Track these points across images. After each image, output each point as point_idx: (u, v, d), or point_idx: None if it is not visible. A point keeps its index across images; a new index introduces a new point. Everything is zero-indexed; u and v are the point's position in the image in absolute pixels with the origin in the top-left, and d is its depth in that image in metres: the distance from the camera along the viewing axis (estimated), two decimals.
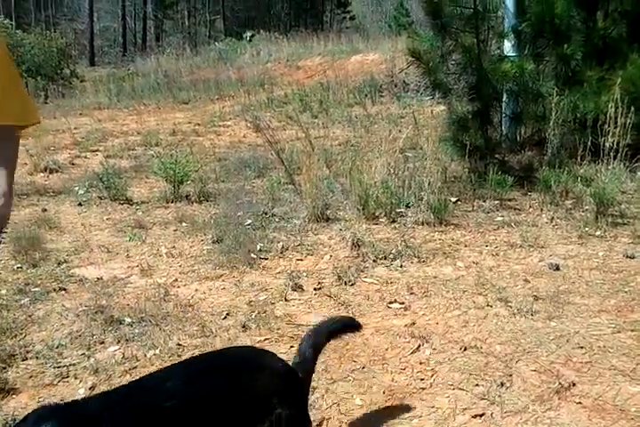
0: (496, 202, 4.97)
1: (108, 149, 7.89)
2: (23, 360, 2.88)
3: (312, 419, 2.24)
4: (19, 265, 4.07)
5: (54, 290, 3.68)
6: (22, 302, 3.53)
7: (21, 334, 3.13)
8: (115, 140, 8.43)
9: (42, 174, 6.88)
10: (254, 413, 1.65)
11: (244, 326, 3.21)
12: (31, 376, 2.74)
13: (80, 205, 5.54)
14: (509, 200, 5.07)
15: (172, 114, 10.65)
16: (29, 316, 3.36)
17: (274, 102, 11.05)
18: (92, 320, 3.26)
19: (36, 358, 2.91)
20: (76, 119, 9.94)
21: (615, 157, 4.68)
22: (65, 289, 3.71)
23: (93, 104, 12.10)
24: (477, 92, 5.55)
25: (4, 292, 3.57)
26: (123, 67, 21.45)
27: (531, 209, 4.89)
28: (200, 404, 1.56)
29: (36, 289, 3.69)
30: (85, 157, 7.63)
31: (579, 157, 4.97)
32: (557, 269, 3.76)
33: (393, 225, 4.65)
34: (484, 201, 4.99)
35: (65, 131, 8.74)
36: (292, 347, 3.00)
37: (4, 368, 2.81)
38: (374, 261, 4.00)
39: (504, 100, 5.91)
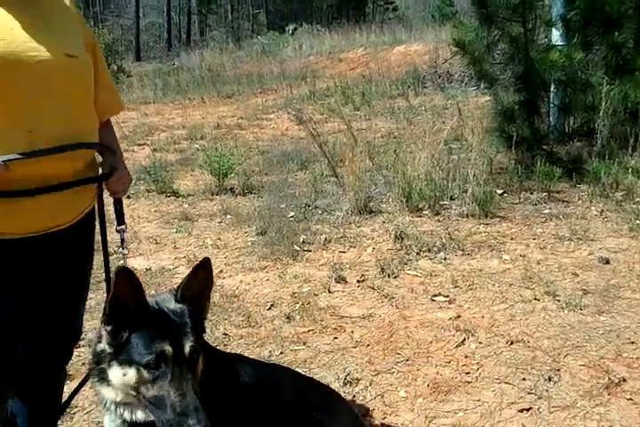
0: (544, 194, 4.87)
1: (155, 143, 8.03)
2: (76, 348, 2.97)
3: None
4: None
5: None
6: None
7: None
8: (161, 134, 8.58)
9: None
10: None
11: (288, 317, 3.24)
12: (83, 364, 2.83)
13: (129, 197, 5.66)
14: (557, 192, 4.96)
15: (216, 108, 10.77)
16: None
17: (316, 95, 11.05)
18: None
19: (88, 346, 3.00)
20: (123, 113, 10.14)
21: None
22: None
23: (140, 99, 12.34)
24: (524, 83, 5.43)
25: None
26: (168, 62, 21.76)
27: (579, 201, 4.78)
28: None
29: None
30: (133, 151, 7.79)
31: (629, 148, 4.83)
32: (607, 262, 3.67)
33: (437, 217, 4.61)
34: (532, 193, 4.90)
35: (113, 125, 8.94)
36: (335, 338, 3.03)
37: None
38: (418, 253, 3.98)
39: (552, 90, 5.77)
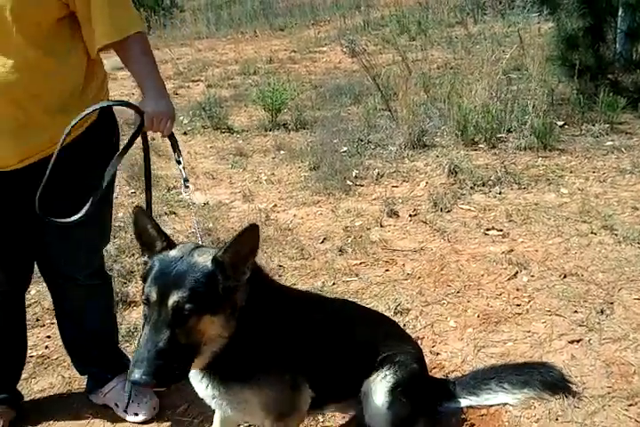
0: (606, 126, 4.66)
1: (209, 79, 8.02)
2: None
3: None
4: (132, 190, 4.36)
5: (165, 213, 3.93)
6: None
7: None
8: (214, 70, 8.54)
9: None
10: None
11: (340, 250, 3.32)
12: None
13: (185, 134, 5.76)
14: (621, 124, 4.74)
15: (268, 42, 10.59)
16: None
17: (370, 25, 10.67)
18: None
19: None
20: (177, 49, 10.11)
21: None
22: (175, 213, 3.96)
23: (193, 34, 12.21)
24: (589, 6, 5.08)
25: (120, 215, 3.85)
26: None
27: None
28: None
29: None
30: (188, 87, 7.82)
31: None
32: None
33: (493, 151, 4.51)
34: (594, 125, 4.69)
35: (168, 61, 8.94)
36: (387, 271, 3.09)
37: (125, 283, 3.09)
38: (472, 187, 3.94)
39: (619, 14, 5.37)
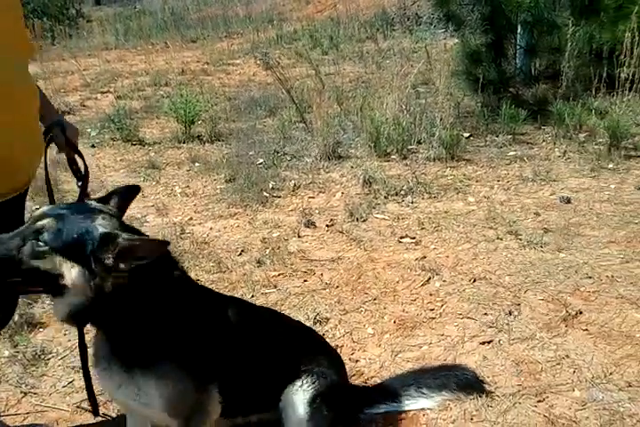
0: (509, 136, 4.93)
1: (118, 90, 7.81)
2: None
3: None
4: (37, 206, 4.16)
5: None
6: None
7: None
8: (124, 81, 8.33)
9: None
10: None
11: (258, 262, 3.30)
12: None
13: (93, 146, 5.57)
14: (522, 134, 5.02)
15: (180, 53, 10.45)
16: None
17: (283, 39, 10.77)
18: None
19: None
20: (84, 60, 9.80)
21: (630, 89, 4.58)
22: None
23: (101, 45, 11.88)
24: (491, 24, 5.38)
25: None
26: (129, 5, 20.84)
27: (544, 143, 4.85)
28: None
29: None
30: (96, 99, 7.58)
31: (593, 90, 4.87)
32: (568, 202, 3.78)
33: (404, 162, 4.64)
34: (497, 136, 4.95)
35: (74, 72, 8.65)
36: (305, 281, 3.10)
37: (31, 304, 2.93)
38: (386, 197, 4.04)
39: (518, 31, 5.73)
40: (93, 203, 1.57)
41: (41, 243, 1.39)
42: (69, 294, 1.43)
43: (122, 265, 1.41)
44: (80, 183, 1.94)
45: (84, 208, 1.50)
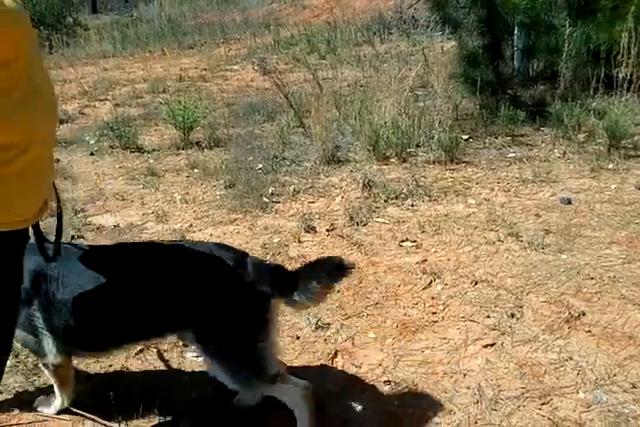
0: (508, 138, 4.92)
1: (117, 98, 7.82)
2: None
3: (328, 352, 2.34)
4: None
5: (73, 238, 3.76)
6: None
7: None
8: (122, 89, 8.35)
9: None
10: None
11: None
12: None
13: (92, 154, 5.57)
14: (521, 136, 5.01)
15: (177, 60, 10.47)
16: None
17: (280, 44, 10.79)
18: None
19: None
20: (82, 68, 9.82)
21: (629, 89, 4.59)
22: (83, 237, 3.80)
23: (98, 53, 11.90)
24: (488, 26, 5.39)
25: None
26: (126, 13, 20.88)
27: (543, 144, 4.84)
28: None
29: None
30: (94, 107, 7.59)
31: (591, 90, 4.87)
32: (569, 203, 3.77)
33: (404, 165, 4.64)
34: (496, 138, 4.94)
35: (72, 81, 8.66)
36: None
37: None
38: (385, 201, 4.03)
39: (515, 33, 5.73)
40: None
41: None
42: None
43: None
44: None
45: None
